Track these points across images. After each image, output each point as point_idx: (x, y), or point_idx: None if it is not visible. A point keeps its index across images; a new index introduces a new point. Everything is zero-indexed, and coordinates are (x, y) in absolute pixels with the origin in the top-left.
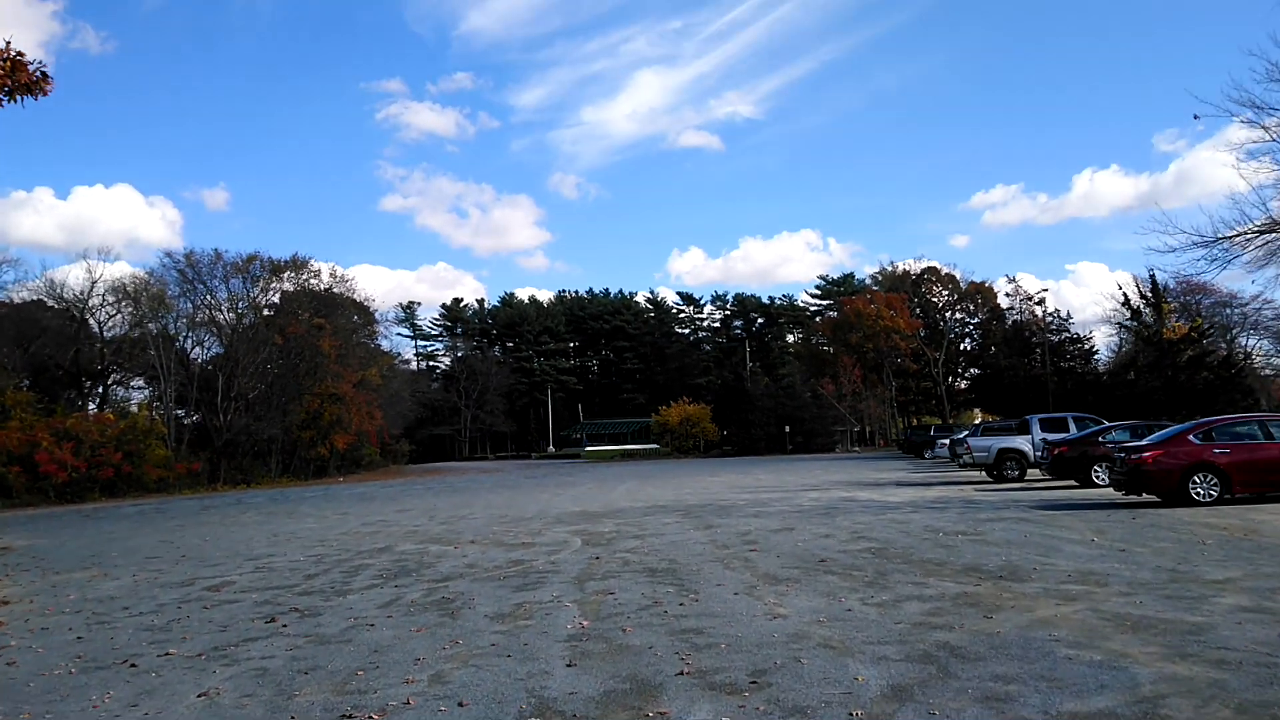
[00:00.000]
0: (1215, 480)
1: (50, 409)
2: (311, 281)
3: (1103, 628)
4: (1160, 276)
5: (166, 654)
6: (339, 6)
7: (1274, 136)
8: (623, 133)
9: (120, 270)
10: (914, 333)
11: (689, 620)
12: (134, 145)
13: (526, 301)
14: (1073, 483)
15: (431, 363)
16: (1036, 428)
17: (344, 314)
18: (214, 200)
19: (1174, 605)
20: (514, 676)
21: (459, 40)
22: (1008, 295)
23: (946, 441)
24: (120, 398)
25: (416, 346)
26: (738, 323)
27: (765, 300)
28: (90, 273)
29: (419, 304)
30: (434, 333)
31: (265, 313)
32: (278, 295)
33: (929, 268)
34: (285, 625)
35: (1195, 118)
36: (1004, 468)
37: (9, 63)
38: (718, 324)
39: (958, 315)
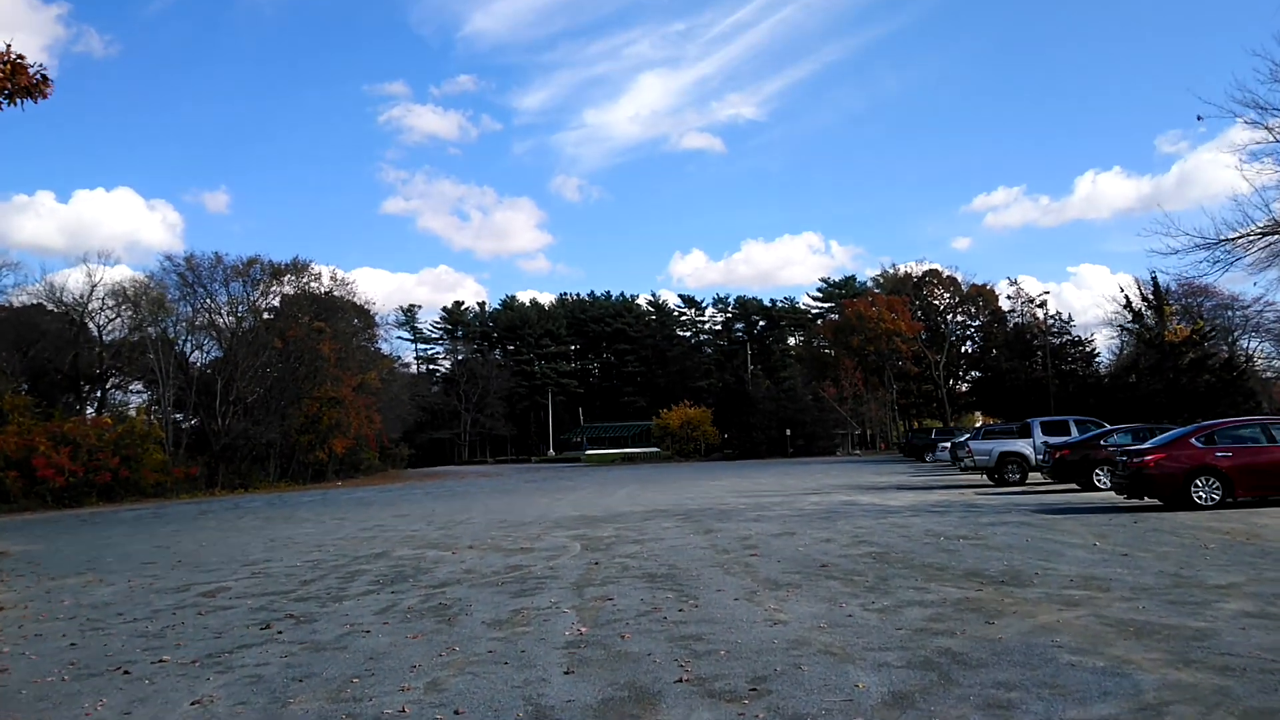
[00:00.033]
0: (1218, 484)
1: (48, 413)
2: (312, 285)
3: (1105, 634)
4: (1162, 279)
5: (160, 661)
6: (342, 9)
7: (1277, 137)
8: (625, 135)
9: (120, 274)
10: (915, 335)
11: (688, 626)
12: (135, 148)
13: (527, 304)
14: (1074, 486)
15: (431, 366)
16: (1038, 431)
17: (344, 317)
18: (215, 203)
19: (1177, 611)
20: (511, 684)
21: (462, 42)
22: (1009, 298)
23: (947, 445)
24: (119, 402)
25: (416, 350)
26: (739, 325)
27: (767, 303)
28: (90, 276)
29: (419, 307)
30: (434, 336)
31: (265, 316)
32: (278, 299)
33: (930, 270)
34: (280, 632)
35: (1198, 119)
36: (1005, 471)
37: (9, 65)
38: (719, 327)
39: (959, 318)
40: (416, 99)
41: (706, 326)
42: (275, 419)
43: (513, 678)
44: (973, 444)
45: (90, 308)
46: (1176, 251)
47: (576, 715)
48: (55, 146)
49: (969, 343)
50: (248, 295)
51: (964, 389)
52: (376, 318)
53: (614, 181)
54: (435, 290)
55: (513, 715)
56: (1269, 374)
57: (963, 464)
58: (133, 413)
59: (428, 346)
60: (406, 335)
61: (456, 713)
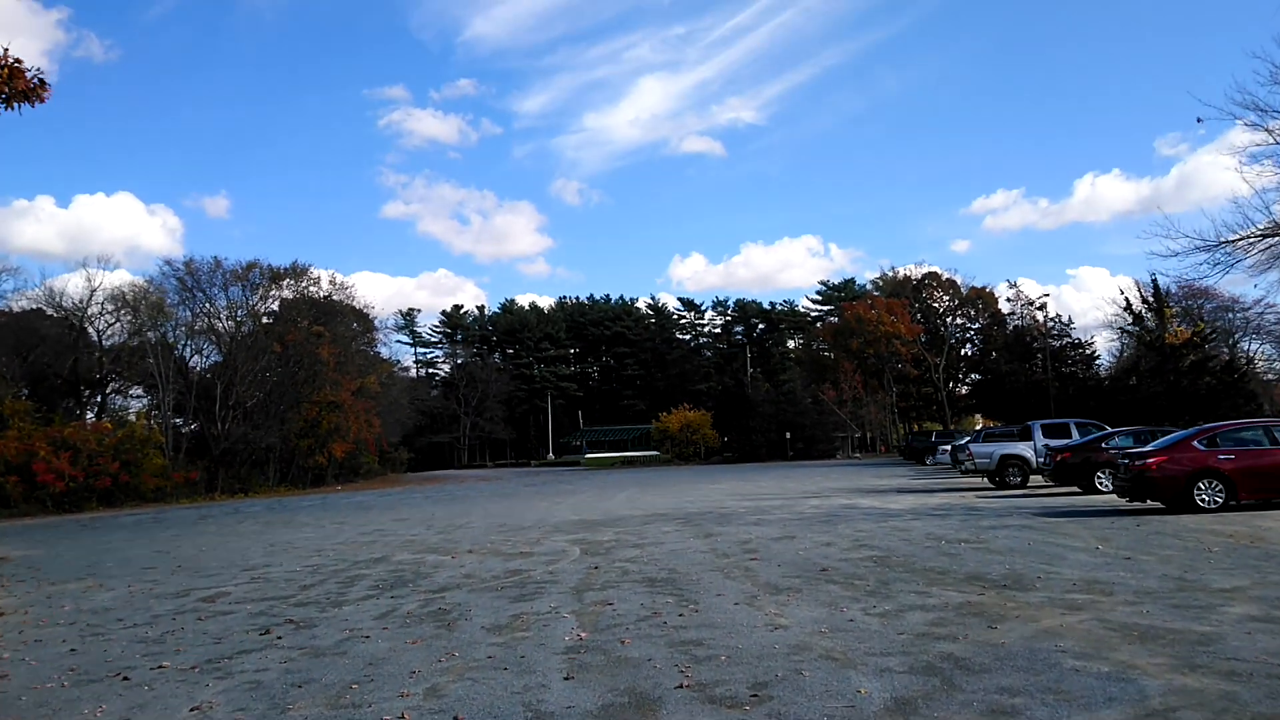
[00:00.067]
0: (1220, 486)
1: (48, 418)
2: (311, 289)
3: (1109, 638)
4: (1162, 281)
5: (160, 666)
6: (342, 14)
7: (1277, 139)
8: (625, 139)
9: (120, 278)
10: (915, 338)
11: (689, 631)
12: (136, 153)
13: (527, 308)
14: (1075, 489)
15: (431, 370)
16: (1039, 434)
17: (343, 321)
18: (215, 208)
19: (1182, 615)
20: (510, 690)
21: (463, 47)
22: (1009, 300)
23: (948, 448)
24: (118, 406)
25: (416, 354)
26: (739, 328)
27: (766, 306)
28: (90, 281)
29: (419, 311)
30: (434, 340)
31: (264, 320)
32: (277, 303)
33: (930, 273)
34: (280, 637)
35: (1198, 120)
36: (1006, 474)
37: (7, 70)
38: (719, 330)
39: (959, 320)
40: (417, 103)
41: (706, 330)
42: (274, 423)
43: (512, 683)
44: (973, 447)
45: (90, 313)
46: (1176, 254)
47: None
48: (55, 151)
49: (969, 345)
50: (247, 299)
51: (964, 392)
52: (376, 322)
53: (614, 185)
54: (435, 294)
55: None
56: (1270, 376)
57: (963, 467)
58: (132, 417)
59: (427, 350)
60: (406, 339)
61: (456, 718)
